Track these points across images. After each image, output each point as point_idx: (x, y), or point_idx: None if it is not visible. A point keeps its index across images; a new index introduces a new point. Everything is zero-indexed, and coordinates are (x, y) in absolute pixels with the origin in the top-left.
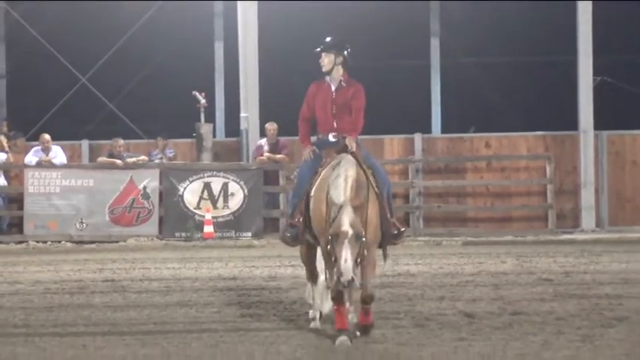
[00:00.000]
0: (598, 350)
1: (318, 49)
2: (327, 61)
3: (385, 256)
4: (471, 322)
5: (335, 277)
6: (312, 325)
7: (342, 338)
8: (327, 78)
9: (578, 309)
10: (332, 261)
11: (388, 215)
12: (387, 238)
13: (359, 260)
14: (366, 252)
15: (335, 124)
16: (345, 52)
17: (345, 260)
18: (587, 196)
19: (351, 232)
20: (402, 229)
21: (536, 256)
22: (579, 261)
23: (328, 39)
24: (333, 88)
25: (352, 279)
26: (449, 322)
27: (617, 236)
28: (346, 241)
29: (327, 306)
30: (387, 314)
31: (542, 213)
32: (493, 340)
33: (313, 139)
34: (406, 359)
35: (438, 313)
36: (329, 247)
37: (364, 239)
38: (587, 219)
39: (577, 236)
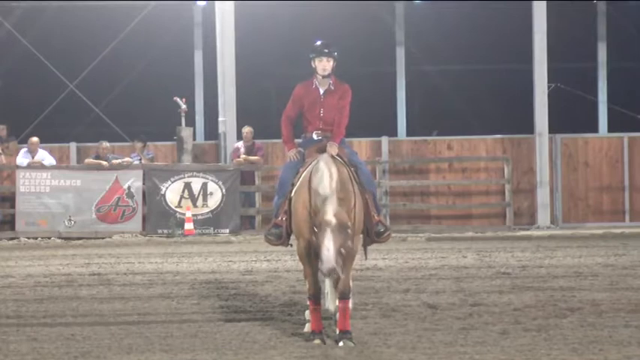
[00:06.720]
0: (552, 339)
1: (326, 52)
2: (329, 65)
3: (366, 253)
4: (434, 312)
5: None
6: (306, 328)
7: (317, 342)
8: (316, 81)
9: (534, 300)
10: (308, 262)
11: (373, 212)
12: (371, 235)
13: (343, 251)
14: (350, 243)
15: (321, 125)
16: (336, 55)
17: (328, 249)
18: (542, 195)
19: (334, 221)
20: (388, 228)
21: (495, 251)
22: (535, 255)
23: (319, 42)
24: (321, 92)
25: (334, 268)
26: (413, 312)
27: (570, 232)
28: (329, 229)
29: (332, 306)
30: (356, 305)
31: (501, 211)
32: (455, 330)
33: (298, 140)
34: (374, 348)
35: (403, 305)
36: (313, 237)
37: (349, 230)
38: (543, 216)
39: (533, 232)
